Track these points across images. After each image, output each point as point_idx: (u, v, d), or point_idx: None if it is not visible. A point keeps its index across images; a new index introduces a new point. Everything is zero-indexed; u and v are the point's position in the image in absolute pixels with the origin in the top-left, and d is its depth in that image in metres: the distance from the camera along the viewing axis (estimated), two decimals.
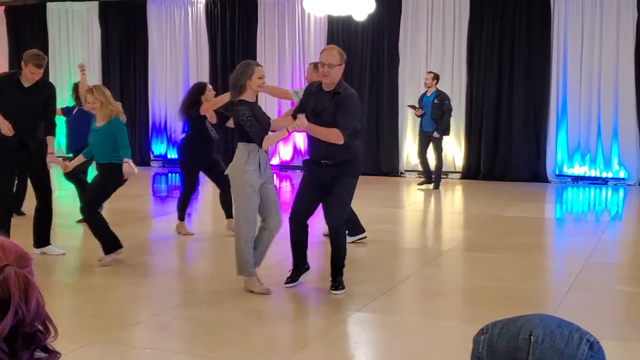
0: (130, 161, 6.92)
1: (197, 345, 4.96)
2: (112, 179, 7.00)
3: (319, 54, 6.09)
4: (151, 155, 16.80)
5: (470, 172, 14.17)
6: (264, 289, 5.93)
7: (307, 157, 6.29)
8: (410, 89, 14.11)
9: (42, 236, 7.31)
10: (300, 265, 6.24)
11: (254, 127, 5.82)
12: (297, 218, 6.07)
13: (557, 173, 13.73)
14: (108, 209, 10.85)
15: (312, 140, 6.06)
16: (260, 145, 5.84)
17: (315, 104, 5.95)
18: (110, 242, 6.99)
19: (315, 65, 7.68)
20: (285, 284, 6.14)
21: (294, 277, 6.20)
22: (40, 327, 1.53)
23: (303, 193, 6.10)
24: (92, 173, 8.35)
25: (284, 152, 15.40)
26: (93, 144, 7.10)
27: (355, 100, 6.06)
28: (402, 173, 14.69)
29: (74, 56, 17.20)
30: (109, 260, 6.91)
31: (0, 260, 1.52)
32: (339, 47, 6.26)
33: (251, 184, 5.85)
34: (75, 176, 8.85)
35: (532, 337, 1.19)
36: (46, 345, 1.56)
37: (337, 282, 6.02)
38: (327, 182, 5.92)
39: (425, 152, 12.81)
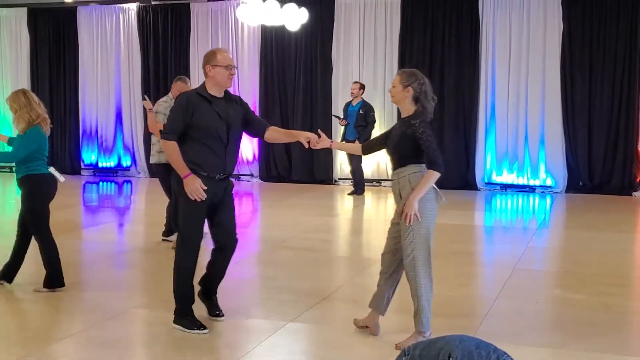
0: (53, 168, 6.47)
1: (129, 358, 4.91)
2: (36, 190, 6.35)
3: (221, 56, 5.42)
4: (82, 164, 16.54)
5: None
6: None
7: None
8: (344, 98, 14.23)
9: None
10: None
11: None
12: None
13: (486, 181, 14.02)
14: None
15: (228, 153, 5.43)
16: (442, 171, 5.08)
17: (226, 112, 5.39)
18: (54, 277, 6.46)
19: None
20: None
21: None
22: None
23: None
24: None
25: None
26: None
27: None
28: (335, 181, 14.81)
29: (2, 63, 16.88)
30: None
31: None
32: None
33: None
34: None
35: (451, 358, 1.23)
36: None
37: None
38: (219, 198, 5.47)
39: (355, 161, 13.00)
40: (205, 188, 5.27)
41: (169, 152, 5.33)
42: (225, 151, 5.37)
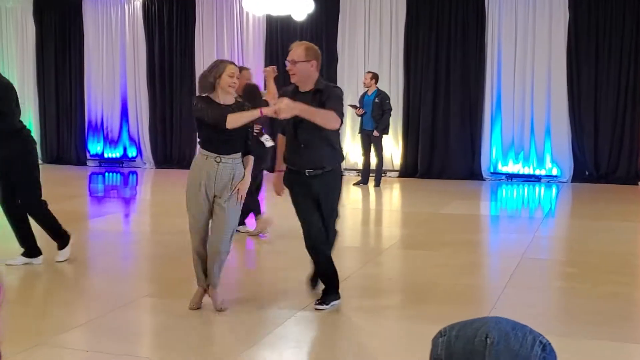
0: None
1: (140, 347, 4.94)
2: None
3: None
4: (87, 155, 16.56)
5: (408, 170, 14.38)
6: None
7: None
8: (349, 88, 14.22)
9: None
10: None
11: (210, 110, 5.29)
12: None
13: (492, 171, 14.02)
14: None
15: (302, 148, 5.51)
16: (224, 125, 5.27)
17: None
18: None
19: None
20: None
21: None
22: None
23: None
24: None
25: None
26: None
27: (341, 93, 5.51)
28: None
29: (7, 54, 16.89)
30: None
31: None
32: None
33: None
34: None
35: (488, 339, 1.24)
36: None
37: (323, 297, 5.78)
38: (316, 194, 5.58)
39: (369, 152, 12.96)
40: (283, 188, 5.73)
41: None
42: (299, 147, 5.47)
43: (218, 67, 5.45)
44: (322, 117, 5.27)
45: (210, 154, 5.40)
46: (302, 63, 5.43)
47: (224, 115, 5.28)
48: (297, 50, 5.47)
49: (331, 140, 5.52)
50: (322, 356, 4.84)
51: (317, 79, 5.51)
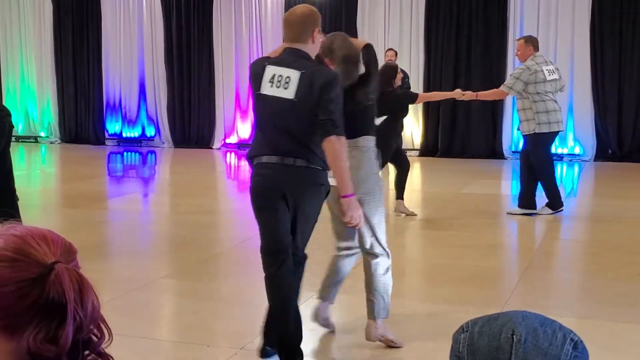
0: None
1: (158, 329, 4.90)
2: None
3: None
4: (106, 134, 16.54)
5: (428, 149, 14.25)
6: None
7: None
8: None
9: None
10: None
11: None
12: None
13: (513, 149, 13.86)
14: (62, 191, 10.67)
15: None
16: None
17: None
18: None
19: (526, 40, 8.04)
20: None
21: None
22: (95, 330, 1.32)
23: None
24: None
25: (242, 130, 15.29)
26: None
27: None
28: None
29: (25, 33, 16.86)
30: None
31: (47, 255, 1.26)
32: None
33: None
34: None
35: (514, 336, 1.15)
36: (100, 351, 1.34)
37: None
38: None
39: None
40: None
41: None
42: None
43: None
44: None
45: None
46: None
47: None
48: None
49: None
50: (342, 337, 4.77)
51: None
